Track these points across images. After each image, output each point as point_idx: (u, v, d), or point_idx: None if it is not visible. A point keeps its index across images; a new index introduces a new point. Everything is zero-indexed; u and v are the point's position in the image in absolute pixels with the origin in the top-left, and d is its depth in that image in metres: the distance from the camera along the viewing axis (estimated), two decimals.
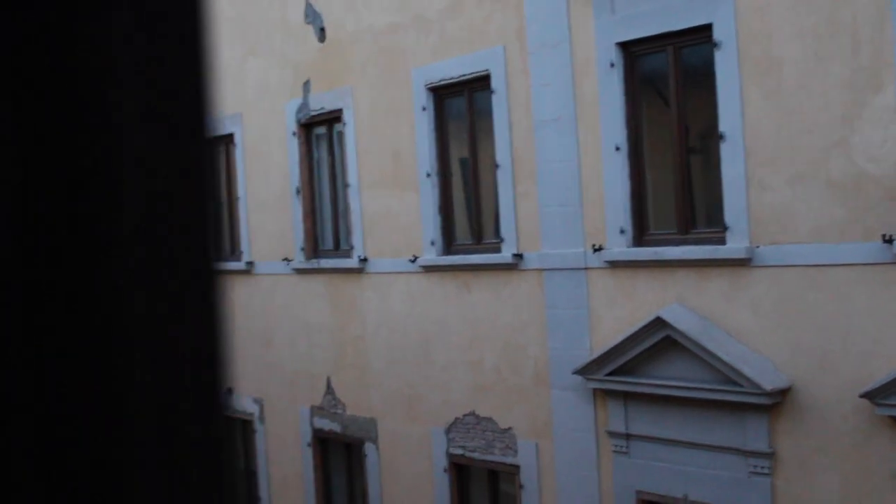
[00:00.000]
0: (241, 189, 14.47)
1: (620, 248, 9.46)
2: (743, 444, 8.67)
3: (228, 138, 14.73)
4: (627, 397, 9.52)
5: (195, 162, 0.79)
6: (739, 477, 8.72)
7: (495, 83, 10.58)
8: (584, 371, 9.69)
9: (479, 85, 10.86)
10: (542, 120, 10.13)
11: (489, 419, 10.85)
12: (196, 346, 0.73)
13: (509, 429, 10.65)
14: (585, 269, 9.76)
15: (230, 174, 14.84)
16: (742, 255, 8.51)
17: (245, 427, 14.74)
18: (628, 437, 9.53)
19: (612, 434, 9.66)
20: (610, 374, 9.50)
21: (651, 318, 9.06)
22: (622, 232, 9.44)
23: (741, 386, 8.48)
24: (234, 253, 14.80)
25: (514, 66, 10.40)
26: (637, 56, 9.43)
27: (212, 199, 0.79)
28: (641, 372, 9.31)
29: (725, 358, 8.53)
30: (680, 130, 9.18)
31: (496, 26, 10.57)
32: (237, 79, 14.41)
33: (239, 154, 14.46)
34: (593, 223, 9.70)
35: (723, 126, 8.63)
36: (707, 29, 8.76)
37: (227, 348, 0.77)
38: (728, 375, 8.57)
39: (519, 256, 10.38)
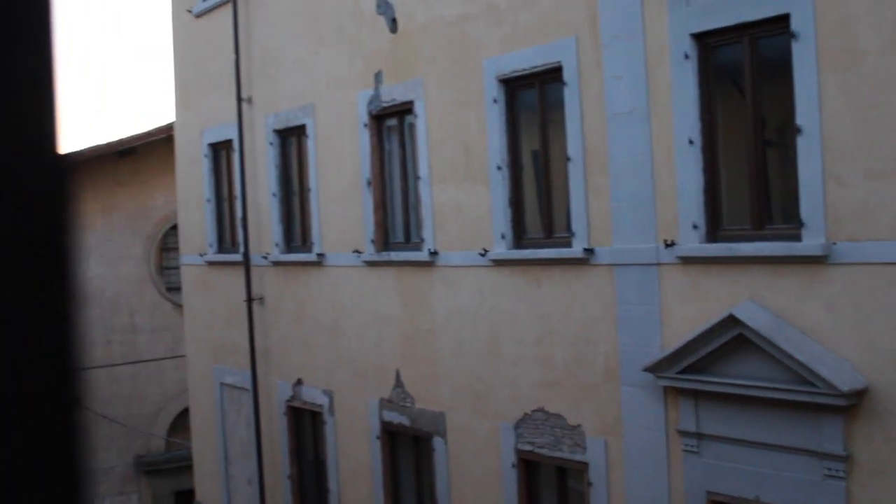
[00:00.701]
0: (312, 180, 14.48)
1: (693, 243, 9.26)
2: (817, 447, 8.44)
3: (300, 130, 14.76)
4: (698, 396, 9.33)
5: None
6: (813, 480, 8.49)
7: (567, 75, 10.42)
8: (655, 368, 9.52)
9: (550, 77, 10.71)
10: (614, 112, 9.96)
11: (558, 415, 10.72)
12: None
13: (578, 425, 10.51)
14: (657, 264, 9.58)
15: (302, 165, 14.87)
16: (818, 252, 8.27)
17: (315, 419, 14.78)
18: (699, 436, 9.34)
19: (682, 433, 9.48)
20: (681, 371, 9.32)
21: (724, 315, 8.86)
22: (695, 227, 9.24)
23: (816, 386, 8.25)
24: (306, 244, 14.83)
25: (586, 58, 10.24)
26: (712, 47, 9.21)
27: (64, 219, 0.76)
28: (713, 370, 9.12)
29: (800, 357, 8.31)
30: (755, 123, 8.95)
31: (568, 17, 10.41)
32: (309, 70, 14.42)
33: (311, 145, 14.48)
34: (665, 218, 9.51)
35: (800, 119, 8.39)
36: (784, 19, 8.52)
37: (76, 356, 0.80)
38: (802, 375, 8.35)
39: (590, 251, 10.23)
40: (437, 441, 12.38)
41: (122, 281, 23.58)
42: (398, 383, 12.96)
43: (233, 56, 15.90)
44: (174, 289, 22.59)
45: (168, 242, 23.75)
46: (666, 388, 9.59)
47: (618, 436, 10.12)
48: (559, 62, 10.50)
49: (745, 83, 9.01)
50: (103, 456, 22.94)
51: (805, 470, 8.55)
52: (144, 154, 23.48)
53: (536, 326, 10.93)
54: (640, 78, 9.68)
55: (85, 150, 24.52)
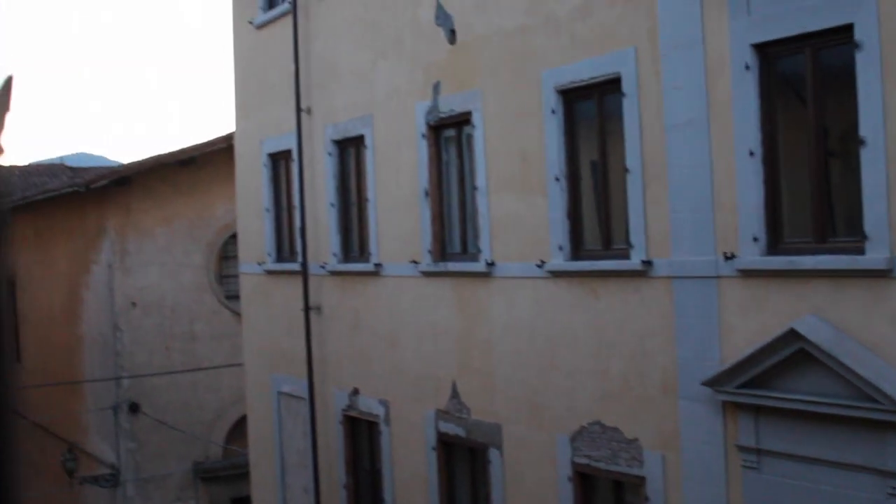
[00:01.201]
0: (370, 190, 14.52)
1: (753, 256, 9.14)
2: (881, 465, 8.27)
3: (359, 140, 14.80)
4: (758, 411, 9.19)
5: None
6: (877, 499, 8.32)
7: (626, 86, 10.35)
8: (714, 382, 9.40)
9: (609, 87, 10.64)
10: (673, 123, 9.87)
11: (615, 429, 10.62)
12: None
13: (635, 439, 10.41)
14: (716, 277, 9.47)
15: (360, 175, 14.92)
16: (882, 266, 8.12)
17: (370, 428, 14.79)
18: (759, 452, 9.20)
19: (741, 448, 9.35)
20: (740, 386, 9.19)
21: (784, 329, 8.73)
22: (755, 240, 9.12)
23: (879, 403, 8.10)
24: (363, 254, 14.87)
25: (645, 69, 10.16)
26: (773, 58, 9.09)
27: None
28: (773, 385, 8.98)
29: (862, 373, 8.16)
30: (817, 135, 8.82)
31: (627, 27, 10.34)
32: (368, 81, 14.46)
33: (369, 156, 14.51)
34: (725, 230, 9.40)
35: (863, 130, 8.25)
36: (848, 29, 8.38)
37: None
38: (865, 391, 8.20)
39: (648, 263, 10.14)
40: (493, 453, 12.33)
41: (182, 289, 23.78)
42: (454, 394, 12.93)
43: (292, 67, 16.00)
44: (233, 297, 22.73)
45: (227, 251, 23.92)
46: (725, 403, 9.46)
47: (675, 450, 10.00)
48: (618, 73, 10.43)
49: (807, 94, 8.88)
50: (161, 462, 23.13)
51: (868, 488, 8.38)
52: (205, 163, 23.68)
53: (593, 338, 10.85)
54: (699, 88, 9.58)
55: (146, 159, 24.81)
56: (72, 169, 56.78)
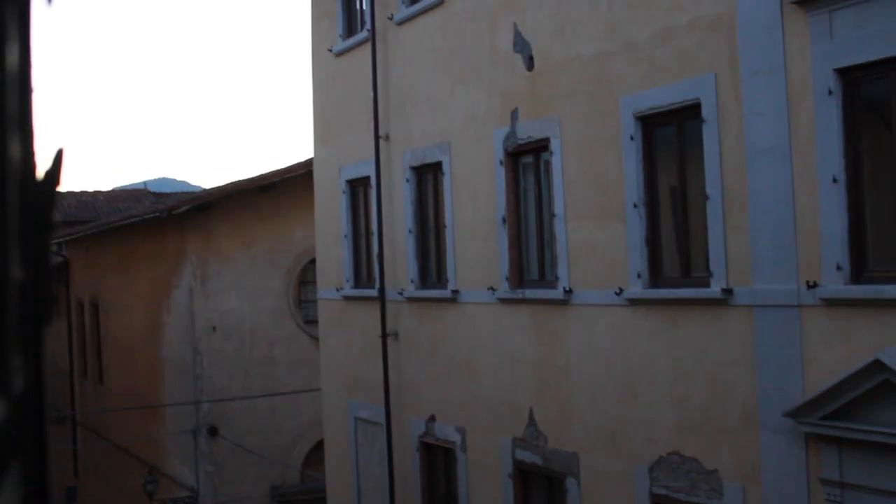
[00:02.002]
0: (448, 217, 14.53)
1: (837, 285, 8.95)
2: None
3: (437, 167, 14.83)
4: (842, 443, 8.99)
5: None
6: None
7: (706, 112, 10.24)
8: (797, 414, 9.22)
9: (688, 113, 10.54)
10: (754, 150, 9.73)
11: (694, 459, 10.46)
12: None
13: (715, 470, 10.24)
14: (798, 306, 9.29)
15: (438, 202, 14.94)
16: None
17: (447, 455, 14.75)
18: (842, 485, 8.99)
19: (825, 482, 9.14)
20: (824, 417, 9.00)
21: (869, 360, 8.53)
22: (839, 268, 8.94)
23: None
24: (440, 281, 14.87)
25: (725, 94, 10.05)
26: (857, 82, 8.93)
27: None
28: (858, 417, 8.78)
29: None
30: None
31: (707, 53, 10.24)
32: (446, 108, 14.51)
33: (447, 182, 14.54)
34: (808, 258, 9.23)
35: None
36: None
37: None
38: None
39: (728, 291, 9.99)
40: (570, 482, 12.21)
41: (262, 314, 23.98)
42: (531, 422, 12.85)
43: (371, 94, 16.10)
44: (312, 321, 22.87)
45: (306, 276, 24.09)
46: (808, 435, 9.26)
47: (756, 482, 9.81)
48: (698, 99, 10.33)
49: (892, 118, 8.71)
50: (239, 486, 23.29)
51: None
52: (284, 189, 23.91)
53: (672, 367, 10.71)
54: (781, 114, 9.44)
55: (227, 185, 25.12)
56: (154, 194, 57.74)
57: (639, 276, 11.07)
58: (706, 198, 10.25)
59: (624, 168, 11.23)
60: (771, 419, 9.55)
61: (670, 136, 10.92)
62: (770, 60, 9.54)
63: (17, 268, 0.80)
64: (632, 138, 11.11)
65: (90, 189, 60.13)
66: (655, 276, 11.04)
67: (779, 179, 9.46)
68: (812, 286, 9.11)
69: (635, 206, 11.09)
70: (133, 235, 27.45)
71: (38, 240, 0.85)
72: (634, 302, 11.15)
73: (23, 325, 0.84)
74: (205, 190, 29.84)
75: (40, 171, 0.86)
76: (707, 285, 10.27)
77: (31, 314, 0.86)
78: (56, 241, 34.45)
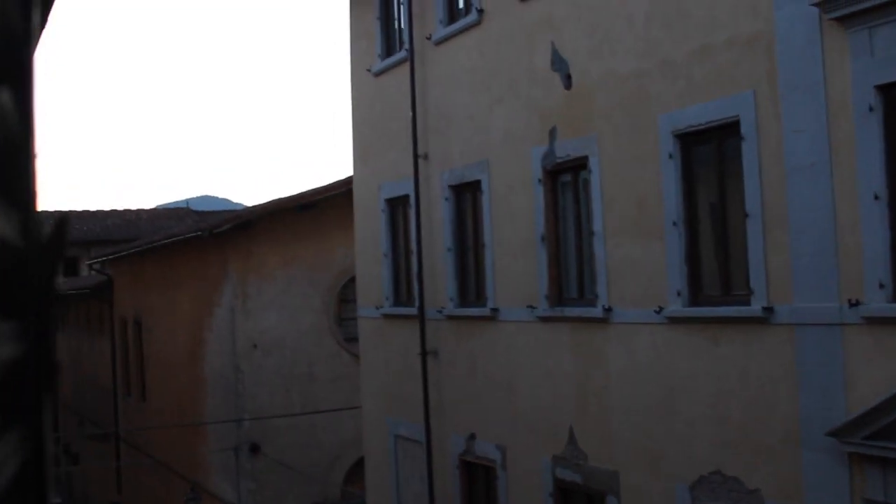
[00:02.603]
0: (486, 235, 14.55)
1: (880, 303, 8.87)
2: None
3: (475, 185, 14.86)
4: (887, 463, 8.89)
5: None
6: None
7: (745, 129, 10.20)
8: (839, 433, 9.13)
9: (727, 131, 10.50)
10: (794, 167, 9.68)
11: (735, 479, 10.38)
12: None
13: (756, 490, 10.15)
14: (840, 324, 9.21)
15: (476, 221, 14.96)
16: None
17: (487, 473, 14.73)
18: None
19: (869, 502, 9.04)
20: (867, 437, 8.91)
21: None
22: (881, 286, 8.86)
23: None
24: (480, 299, 14.87)
25: (764, 111, 10.00)
26: None
27: None
28: None
29: None
30: None
31: (745, 70, 10.20)
32: (484, 127, 14.54)
33: (485, 201, 14.55)
34: (849, 276, 9.15)
35: None
36: None
37: None
38: None
39: (769, 309, 9.92)
40: (611, 500, 12.15)
41: (302, 331, 24.07)
42: (571, 440, 12.80)
43: (409, 113, 16.16)
44: (352, 339, 22.92)
45: (346, 294, 24.15)
46: (851, 455, 9.17)
47: (799, 502, 9.72)
48: (736, 116, 10.29)
49: None
50: (281, 502, 23.35)
51: None
52: (324, 208, 24.01)
53: (713, 386, 10.65)
54: (821, 131, 9.38)
55: (267, 203, 25.27)
56: (196, 212, 58.16)
57: (678, 294, 11.03)
58: (746, 215, 10.20)
59: (663, 186, 11.20)
60: (813, 438, 9.47)
61: (709, 153, 10.88)
62: (809, 77, 9.49)
63: (9, 344, 0.82)
64: (670, 156, 11.08)
65: (133, 207, 60.67)
66: (695, 294, 10.99)
67: (819, 196, 9.40)
68: (854, 304, 9.03)
69: (674, 223, 11.05)
70: (175, 254, 27.66)
71: (41, 308, 0.88)
72: (674, 320, 11.11)
73: (20, 397, 0.86)
74: (246, 209, 30.04)
75: (42, 239, 0.88)
76: (747, 303, 10.21)
77: (30, 383, 0.89)
78: (101, 259, 34.79)
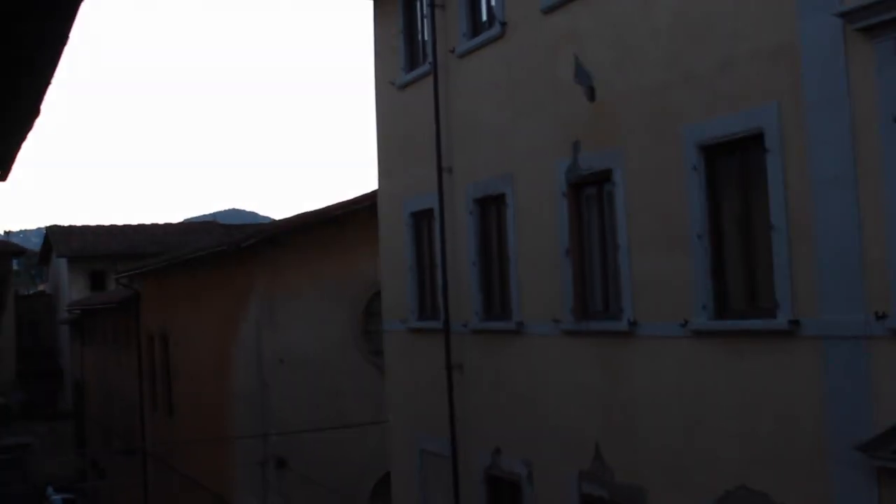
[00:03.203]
0: (511, 249, 14.51)
1: None
2: None
3: (500, 198, 14.83)
4: None
5: None
6: None
7: (769, 141, 10.12)
8: (868, 447, 9.02)
9: (752, 143, 10.42)
10: (819, 179, 9.59)
11: (762, 494, 10.28)
12: None
13: None
14: (867, 337, 9.12)
15: (501, 234, 14.93)
16: None
17: (513, 488, 14.65)
18: None
19: None
20: None
21: None
22: None
23: None
24: (504, 312, 14.83)
25: (789, 123, 9.92)
26: None
27: None
28: None
29: None
30: None
31: (770, 81, 10.12)
32: (508, 139, 14.51)
33: (510, 214, 14.52)
34: (877, 289, 9.05)
35: None
36: None
37: None
38: None
39: (795, 322, 9.83)
40: None
41: (328, 345, 24.08)
42: (597, 455, 12.72)
43: (433, 126, 16.16)
44: (378, 353, 22.91)
45: (372, 308, 24.14)
46: (880, 469, 9.06)
47: None
48: (761, 128, 10.22)
49: None
50: None
51: None
52: (349, 221, 24.04)
53: (738, 400, 10.56)
54: (846, 143, 9.30)
55: (292, 217, 25.35)
56: (223, 226, 58.31)
57: (704, 307, 10.95)
58: (771, 227, 10.12)
59: (687, 199, 11.14)
60: (841, 453, 9.37)
61: (734, 165, 10.81)
62: (834, 88, 9.42)
63: None
64: (695, 168, 11.02)
65: (161, 221, 60.96)
66: (721, 307, 10.90)
67: (845, 209, 9.31)
68: (881, 317, 8.94)
69: (699, 236, 10.98)
70: (202, 268, 27.76)
71: None
72: (699, 333, 11.03)
73: None
74: (272, 223, 30.14)
75: None
76: (773, 316, 10.13)
77: None
78: (127, 273, 34.95)
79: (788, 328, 9.87)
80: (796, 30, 9.83)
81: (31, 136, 13.22)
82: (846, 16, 9.20)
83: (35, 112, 11.75)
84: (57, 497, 39.04)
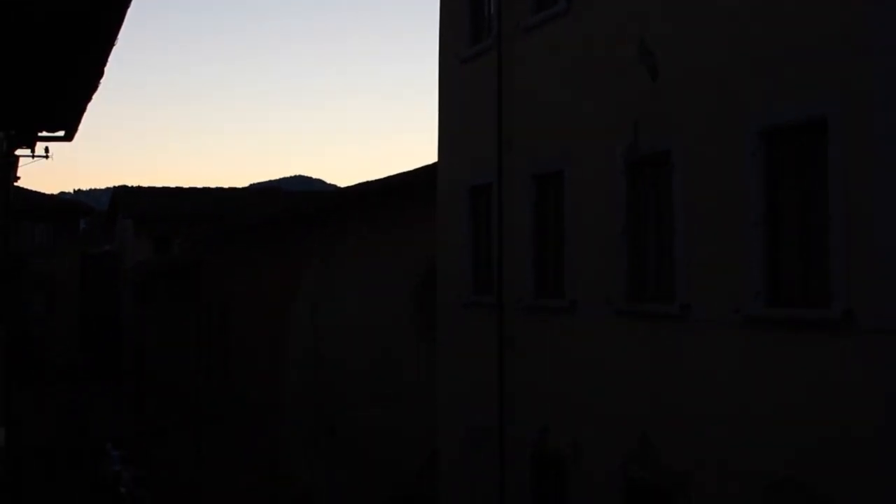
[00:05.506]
0: (567, 227, 14.42)
1: None
2: None
3: (558, 176, 14.74)
4: None
5: None
6: None
7: (832, 128, 9.94)
8: None
9: (814, 130, 10.24)
10: (882, 167, 9.40)
11: (809, 487, 10.13)
12: None
13: (831, 499, 9.90)
14: None
15: (557, 212, 14.84)
16: None
17: (559, 467, 14.62)
18: None
19: None
20: None
21: None
22: None
23: None
24: (558, 291, 14.76)
25: (853, 111, 9.73)
26: None
27: None
28: None
29: None
30: None
31: (835, 69, 9.92)
32: (567, 119, 14.41)
33: (567, 192, 14.43)
34: None
35: None
36: None
37: None
38: None
39: (849, 313, 9.67)
40: (682, 501, 11.98)
41: (382, 318, 24.10)
42: (644, 438, 12.65)
43: (495, 101, 16.09)
44: (431, 326, 22.93)
45: (427, 281, 24.13)
46: None
47: None
48: (824, 115, 10.03)
49: None
50: (356, 487, 23.48)
51: None
52: (409, 194, 24.00)
53: (790, 390, 10.42)
54: None
55: (351, 187, 25.37)
56: (285, 193, 58.62)
57: (757, 294, 10.81)
58: (829, 216, 9.95)
59: (745, 184, 10.98)
60: (893, 448, 9.21)
61: (794, 152, 10.63)
62: None
63: None
64: (754, 154, 10.86)
65: (226, 185, 61.44)
66: (775, 295, 10.75)
67: None
68: None
69: (755, 223, 10.83)
70: (260, 237, 27.96)
71: None
72: (752, 320, 10.89)
73: None
74: (328, 193, 30.22)
75: None
76: (828, 306, 9.97)
77: None
78: (190, 238, 35.35)
79: (843, 318, 9.71)
80: (864, 16, 9.63)
81: (95, 97, 13.38)
82: None
83: (98, 73, 11.89)
84: (115, 453, 39.79)
